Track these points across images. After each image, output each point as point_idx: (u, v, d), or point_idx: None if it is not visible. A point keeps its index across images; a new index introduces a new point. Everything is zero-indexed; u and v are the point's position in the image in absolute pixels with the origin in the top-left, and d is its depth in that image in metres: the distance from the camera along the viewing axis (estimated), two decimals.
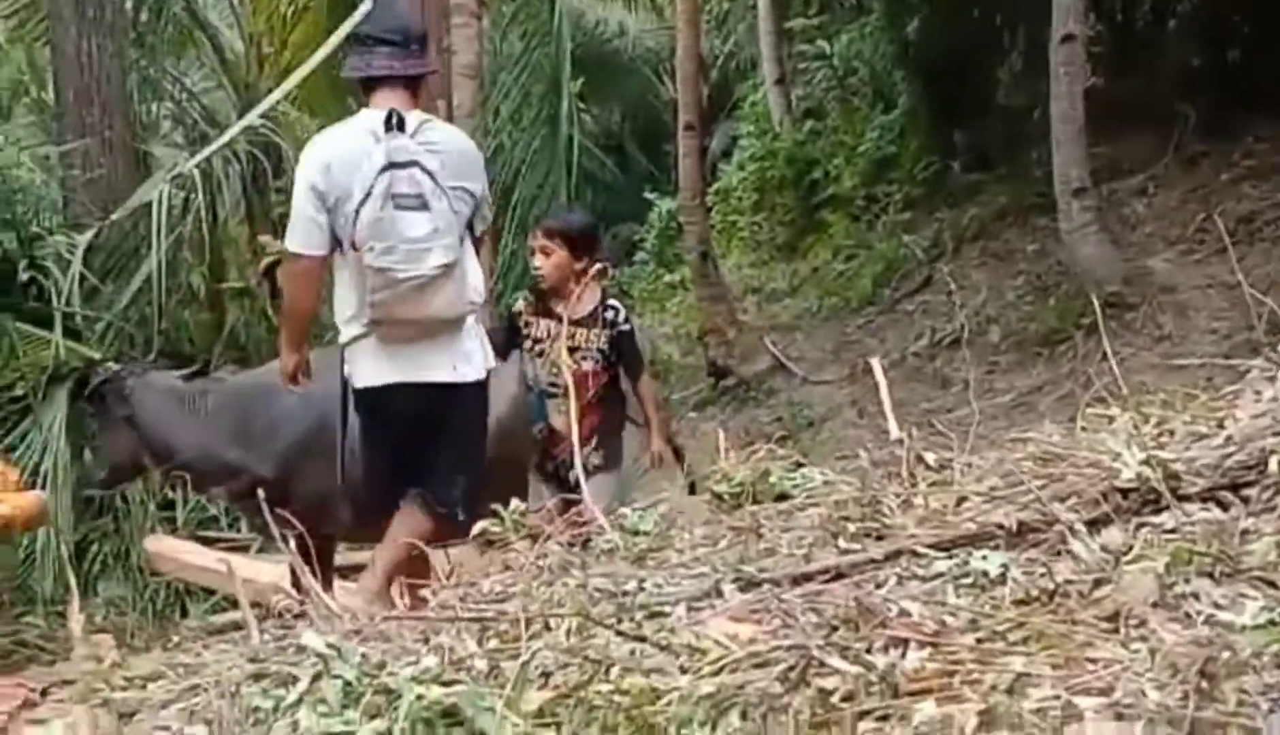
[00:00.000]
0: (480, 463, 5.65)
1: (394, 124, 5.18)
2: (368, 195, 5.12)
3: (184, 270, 10.41)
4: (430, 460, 5.54)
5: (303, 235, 5.27)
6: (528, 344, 6.73)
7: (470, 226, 5.43)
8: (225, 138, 10.52)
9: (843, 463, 5.74)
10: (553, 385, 6.59)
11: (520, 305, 6.90)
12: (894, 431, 4.98)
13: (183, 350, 10.30)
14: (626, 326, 6.85)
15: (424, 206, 5.16)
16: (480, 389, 5.59)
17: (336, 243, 5.25)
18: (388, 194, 5.12)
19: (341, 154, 5.23)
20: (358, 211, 5.12)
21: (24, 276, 8.92)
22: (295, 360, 5.61)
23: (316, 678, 2.46)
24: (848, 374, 13.95)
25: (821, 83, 18.23)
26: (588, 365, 6.63)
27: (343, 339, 5.41)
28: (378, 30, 5.52)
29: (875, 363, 5.92)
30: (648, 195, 19.42)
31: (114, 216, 9.81)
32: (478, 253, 5.63)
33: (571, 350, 6.48)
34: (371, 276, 5.16)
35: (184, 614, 7.62)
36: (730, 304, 15.50)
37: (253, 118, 10.53)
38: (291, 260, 5.46)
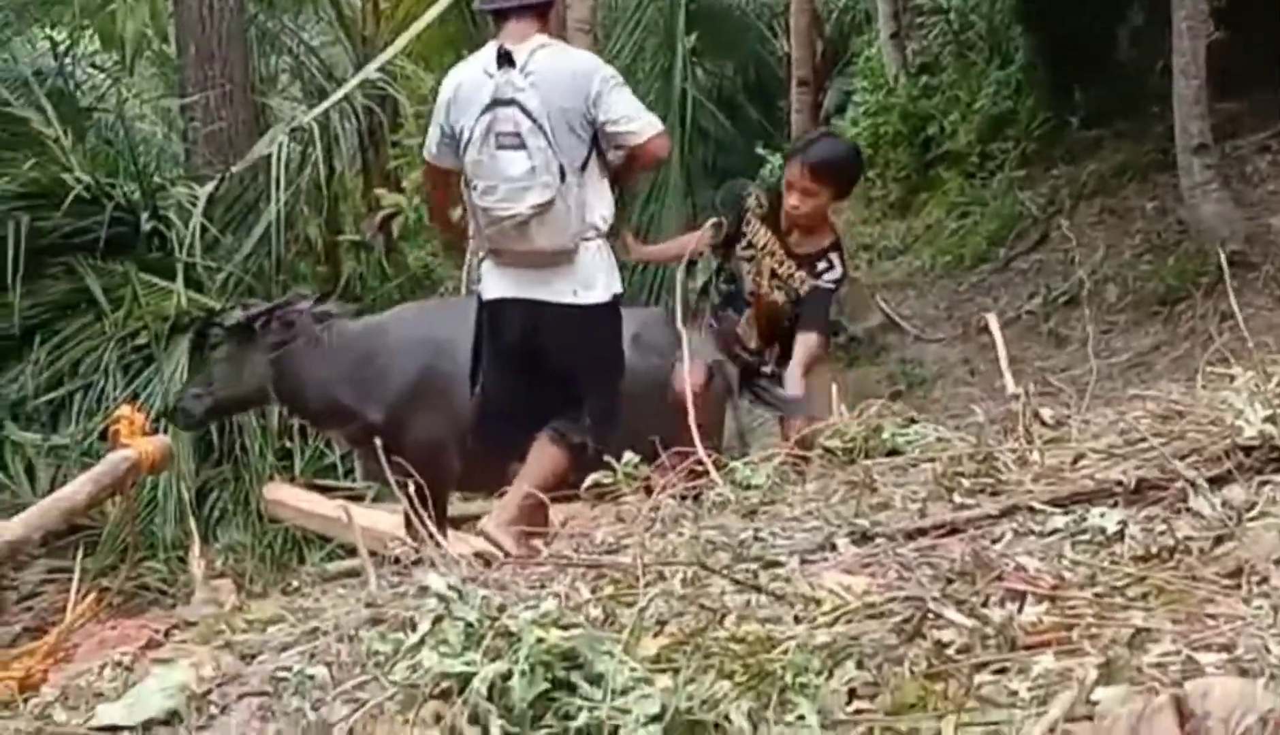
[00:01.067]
0: (613, 392, 5.67)
1: (504, 60, 5.27)
2: (472, 135, 5.27)
3: (301, 222, 10.53)
4: (558, 388, 5.59)
5: (431, 146, 5.55)
6: (743, 241, 6.57)
7: (598, 152, 5.44)
8: (343, 91, 10.64)
9: (954, 421, 5.70)
10: (752, 294, 6.51)
11: (751, 200, 6.67)
12: (1010, 387, 4.95)
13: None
14: (829, 285, 6.53)
15: (521, 145, 5.21)
16: (608, 313, 5.60)
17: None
18: (488, 133, 5.23)
19: (463, 89, 5.38)
20: (467, 150, 5.29)
21: (147, 227, 9.07)
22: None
23: (438, 620, 2.50)
24: (960, 332, 13.85)
25: (938, 37, 18.00)
26: (779, 296, 6.46)
27: (478, 251, 5.57)
28: None
29: (992, 319, 5.86)
30: (759, 151, 19.30)
31: (234, 169, 9.96)
32: (620, 175, 5.69)
33: (774, 274, 6.42)
34: (478, 214, 5.32)
35: (301, 560, 7.74)
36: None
37: (370, 71, 10.63)
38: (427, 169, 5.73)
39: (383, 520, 6.50)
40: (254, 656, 3.76)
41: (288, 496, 7.15)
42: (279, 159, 9.69)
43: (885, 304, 14.75)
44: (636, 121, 5.46)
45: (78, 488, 4.37)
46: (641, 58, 11.70)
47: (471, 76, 5.39)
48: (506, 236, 5.33)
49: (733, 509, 4.51)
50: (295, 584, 5.50)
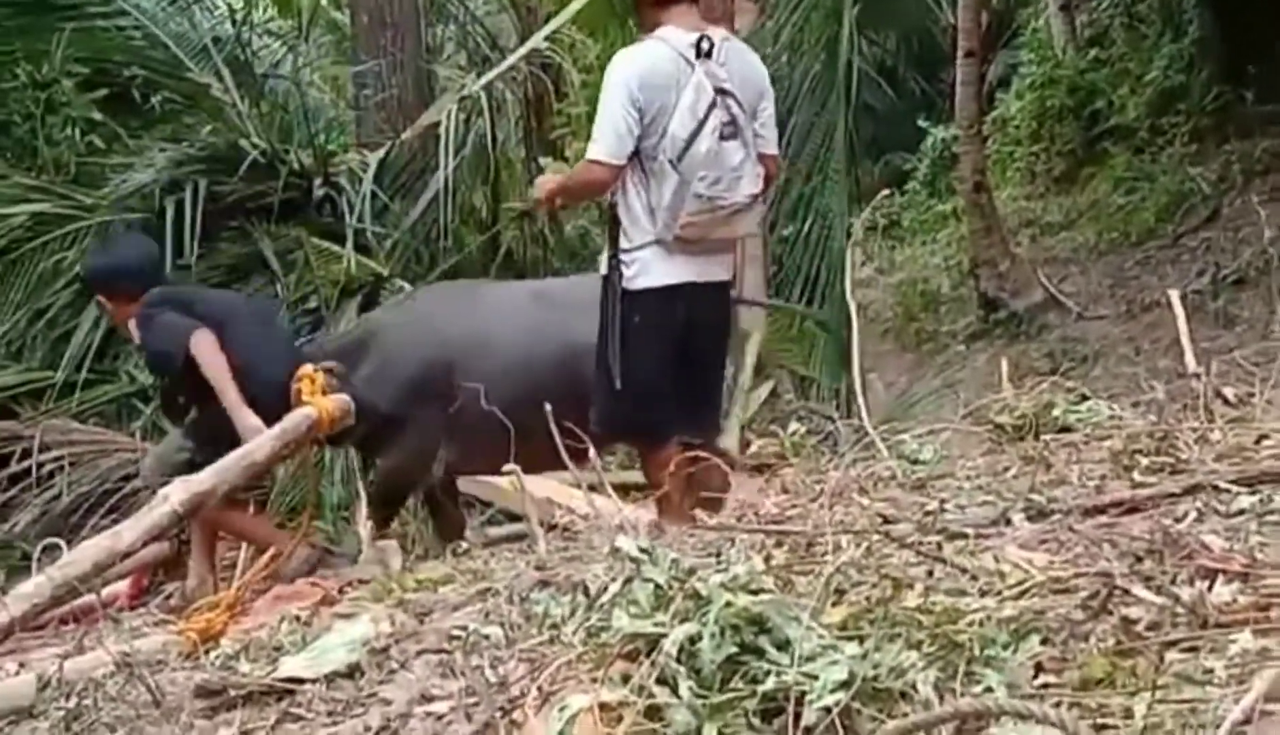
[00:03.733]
0: None
1: (706, 49, 5.31)
2: (700, 126, 5.29)
3: (466, 190, 10.63)
4: (706, 368, 5.75)
5: (615, 146, 5.37)
6: None
7: None
8: (510, 61, 10.73)
9: (1118, 400, 5.60)
10: None
11: None
12: (1191, 365, 4.87)
13: (463, 269, 10.60)
14: None
15: (736, 135, 5.33)
16: None
17: (635, 154, 5.39)
18: (719, 125, 5.29)
19: (658, 72, 5.34)
20: (690, 141, 5.28)
21: (319, 193, 9.23)
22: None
23: (628, 581, 2.54)
24: (1124, 310, 13.61)
25: (1108, 9, 17.63)
26: None
27: (630, 243, 5.49)
28: None
29: (1174, 295, 5.74)
30: (921, 123, 19.10)
31: (404, 136, 10.09)
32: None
33: None
34: (692, 201, 5.31)
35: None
36: (1004, 236, 15.17)
37: (537, 40, 10.70)
38: (593, 167, 5.54)
39: (548, 487, 6.56)
40: (427, 615, 3.83)
41: None
42: (447, 127, 9.79)
43: (1047, 280, 14.53)
44: (774, 139, 5.73)
45: (261, 443, 4.48)
46: (808, 29, 11.60)
47: (666, 61, 5.37)
48: (717, 224, 5.44)
49: (899, 483, 4.49)
50: (464, 546, 5.56)
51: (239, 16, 11.36)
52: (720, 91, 5.31)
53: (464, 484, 7.22)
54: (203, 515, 5.56)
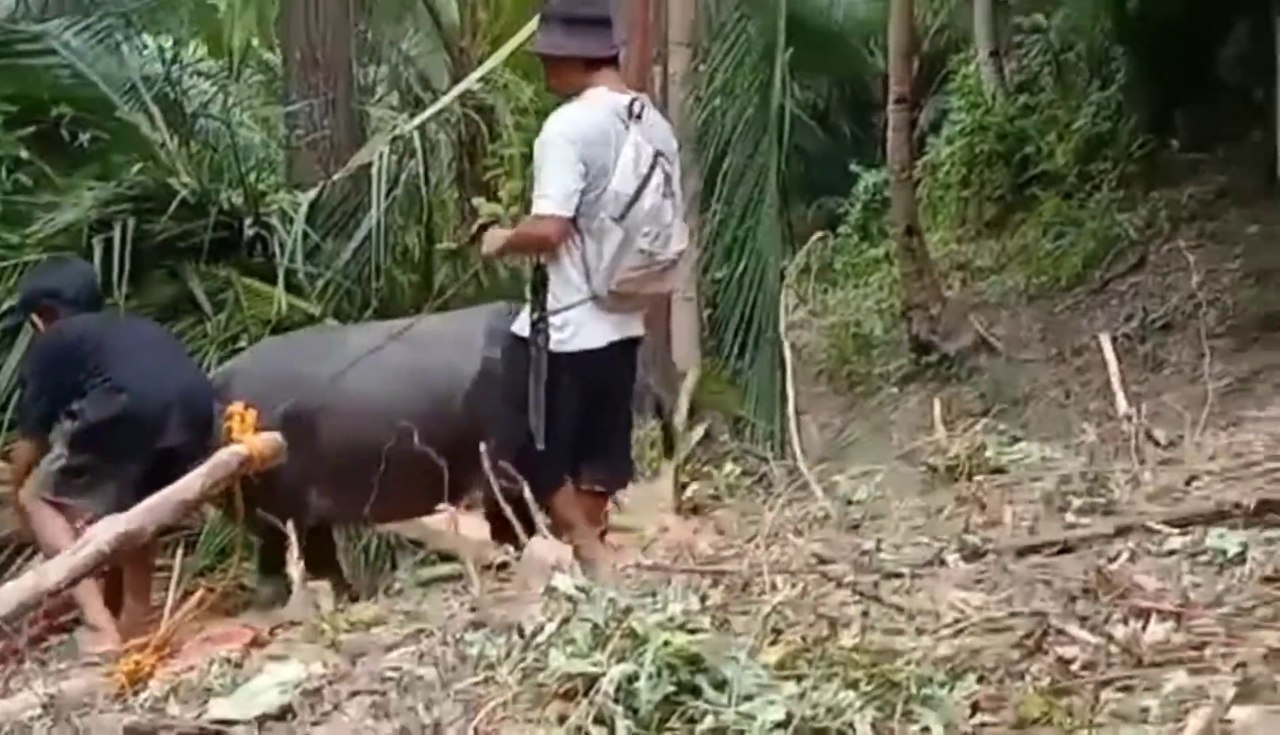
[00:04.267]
0: None
1: (637, 111, 5.43)
2: (644, 183, 5.39)
3: (399, 231, 10.59)
4: (619, 421, 5.84)
5: (564, 201, 5.39)
6: None
7: None
8: (444, 101, 10.73)
9: (1049, 443, 5.65)
10: None
11: None
12: (1122, 407, 4.91)
13: (396, 309, 10.54)
14: None
15: (671, 193, 5.50)
16: None
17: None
18: (659, 183, 5.41)
19: (598, 131, 5.40)
20: (635, 198, 5.37)
21: (249, 233, 9.13)
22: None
23: (565, 620, 2.52)
24: (1054, 354, 13.75)
25: (1037, 57, 17.90)
26: None
27: (557, 303, 5.49)
28: (594, 11, 5.68)
29: (1104, 339, 5.80)
30: (854, 168, 19.26)
31: (336, 177, 10.02)
32: None
33: None
34: (634, 256, 5.39)
35: (394, 566, 7.77)
36: (935, 279, 15.33)
37: (470, 82, 10.70)
38: (545, 221, 5.55)
39: (477, 528, 6.52)
40: (360, 656, 3.79)
41: None
42: (380, 168, 9.75)
43: (978, 323, 14.67)
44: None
45: (191, 481, 4.43)
46: (740, 72, 11.67)
47: (604, 120, 5.45)
48: (649, 281, 5.57)
49: (834, 523, 4.51)
50: (395, 588, 5.52)
51: (169, 56, 11.31)
52: (659, 152, 5.45)
53: (397, 525, 7.16)
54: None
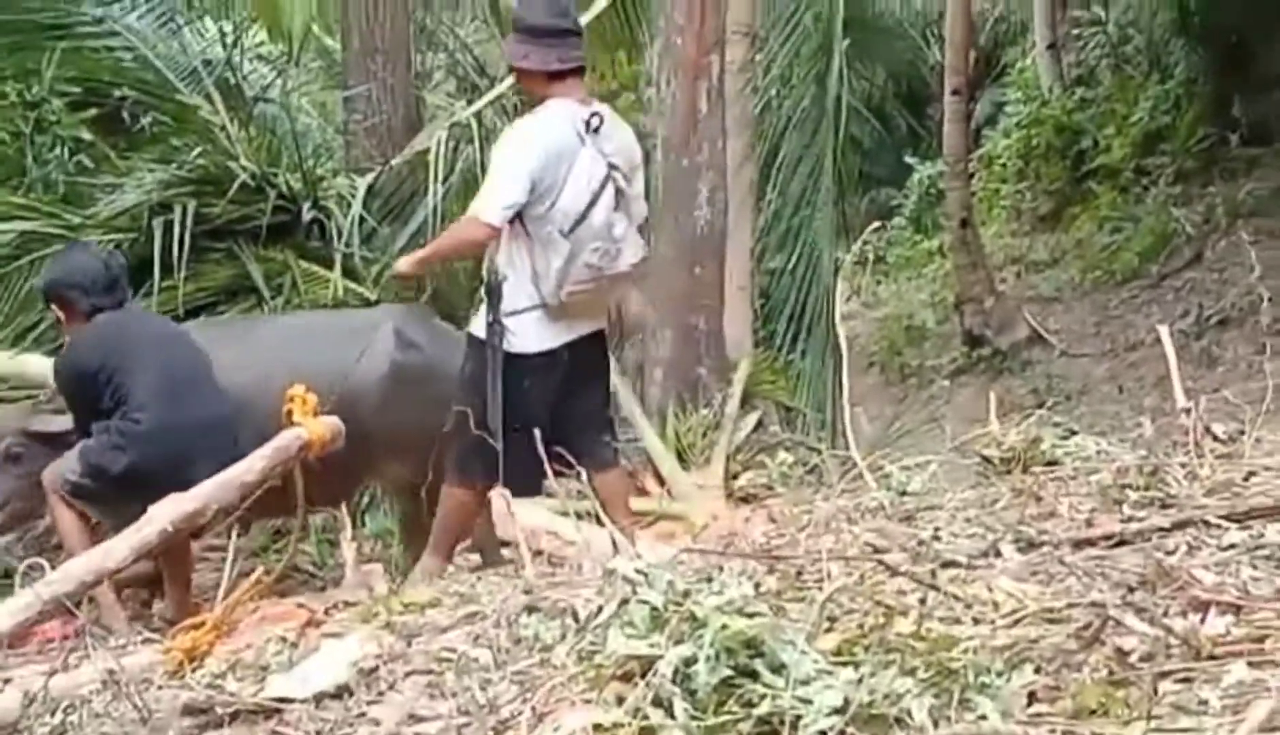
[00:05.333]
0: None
1: (595, 125, 5.58)
2: (595, 200, 5.54)
3: (454, 217, 10.62)
4: (591, 408, 5.97)
5: (502, 212, 5.52)
6: None
7: None
8: (500, 88, 10.73)
9: (1103, 437, 5.62)
10: None
11: None
12: (1180, 400, 4.88)
13: (449, 293, 10.57)
14: None
15: (621, 207, 5.64)
16: None
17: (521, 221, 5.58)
18: (611, 198, 5.57)
19: (555, 147, 5.53)
20: (586, 213, 5.51)
21: (307, 217, 9.19)
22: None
23: (624, 602, 2.54)
24: (1108, 349, 13.67)
25: (1095, 49, 17.76)
26: None
27: (511, 307, 5.60)
28: (558, 22, 5.81)
29: (1163, 332, 5.75)
30: (908, 160, 19.18)
31: (393, 162, 10.09)
32: None
33: None
34: (581, 270, 5.54)
35: None
36: (989, 273, 15.25)
37: None
38: (479, 225, 5.67)
39: (532, 514, 6.55)
40: (414, 637, 3.82)
41: None
42: (436, 154, 9.80)
43: (1031, 317, 14.59)
44: (644, 207, 6.08)
45: (251, 464, 4.47)
46: (798, 62, 11.64)
47: (562, 136, 5.57)
48: (599, 293, 5.78)
49: (887, 514, 4.50)
50: (449, 570, 5.56)
51: (229, 40, 11.34)
52: (610, 165, 5.57)
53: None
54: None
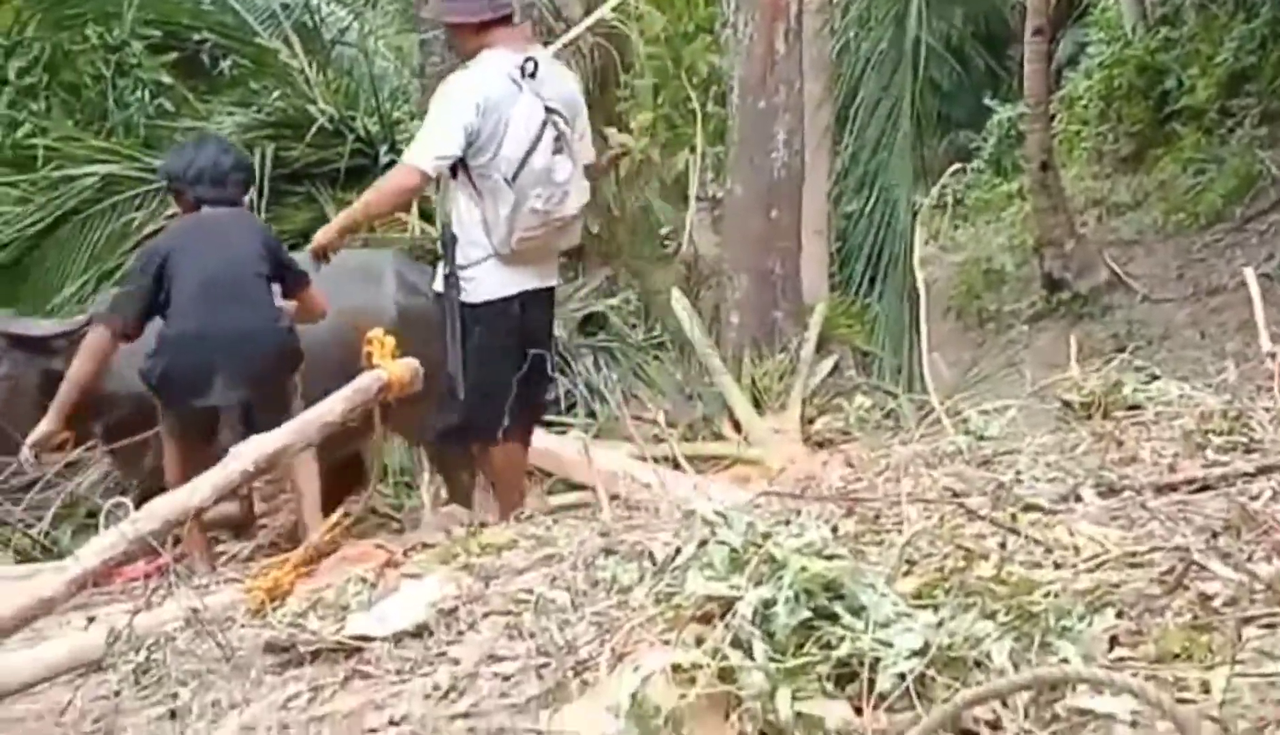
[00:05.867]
0: None
1: (530, 70, 5.58)
2: (535, 144, 5.55)
3: None
4: (537, 366, 5.95)
5: (435, 161, 5.62)
6: None
7: None
8: (577, 30, 10.68)
9: (1185, 383, 5.57)
10: None
11: None
12: (1265, 344, 4.82)
13: None
14: None
15: (564, 150, 5.64)
16: None
17: (462, 167, 5.63)
18: (550, 142, 5.58)
19: (493, 96, 5.54)
20: (526, 158, 5.53)
21: (385, 160, 9.21)
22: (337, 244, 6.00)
23: (703, 543, 2.54)
24: (1190, 293, 13.51)
25: None
26: None
27: (466, 259, 5.67)
28: None
29: (1250, 275, 5.67)
30: (988, 102, 18.97)
31: None
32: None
33: None
34: (528, 216, 5.60)
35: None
36: (1069, 216, 15.08)
37: (604, 11, 10.66)
38: (412, 172, 5.76)
39: (610, 458, 6.57)
40: (493, 579, 3.84)
41: None
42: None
43: (1112, 261, 14.43)
44: (591, 150, 6.12)
45: (333, 404, 4.49)
46: (875, 3, 11.56)
47: (500, 84, 5.58)
48: (549, 237, 5.78)
49: (965, 459, 4.47)
50: (527, 513, 5.59)
51: None
52: (548, 110, 5.57)
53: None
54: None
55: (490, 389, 5.72)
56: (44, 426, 5.80)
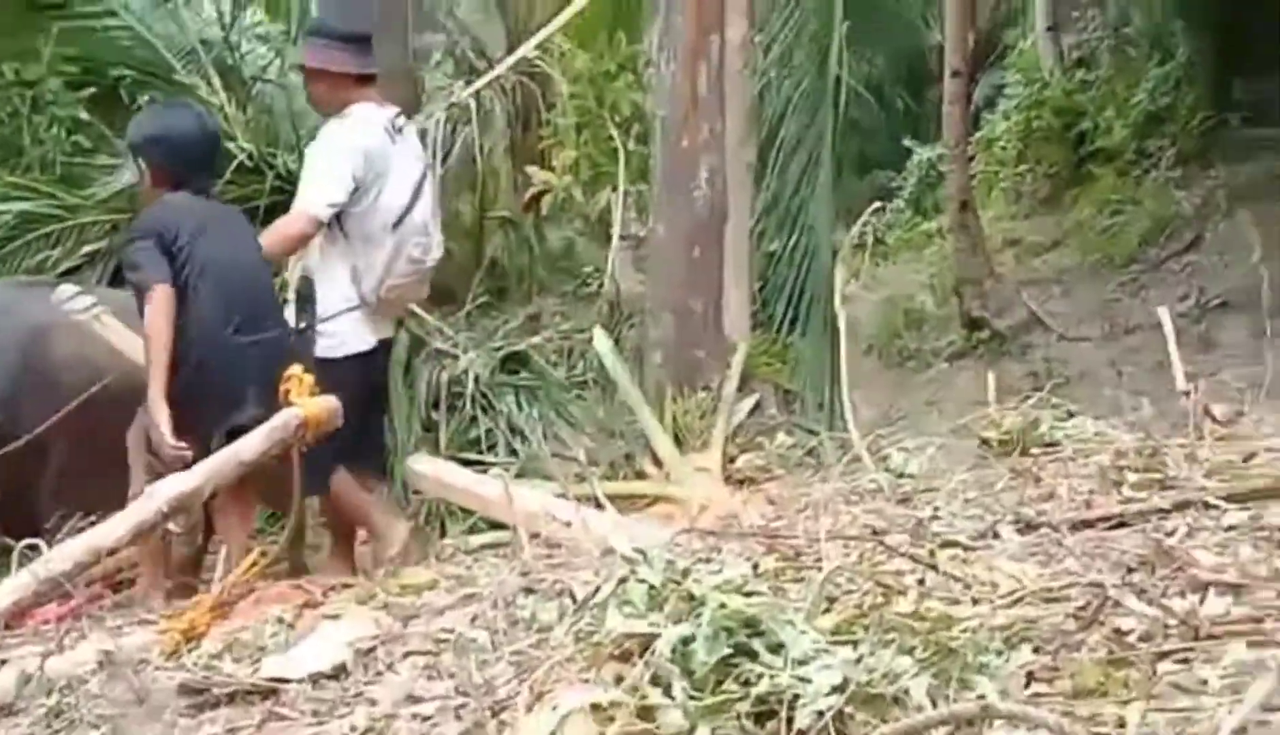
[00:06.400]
0: None
1: (400, 126, 5.97)
2: (417, 195, 5.84)
3: (452, 198, 10.61)
4: (376, 417, 6.35)
5: (327, 208, 5.71)
6: None
7: None
8: (500, 68, 10.70)
9: (1102, 421, 5.63)
10: None
11: None
12: (1180, 382, 4.88)
13: (448, 275, 10.54)
14: None
15: (430, 203, 6.01)
16: None
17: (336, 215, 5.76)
18: (428, 194, 5.95)
19: (374, 147, 5.77)
20: (409, 209, 5.79)
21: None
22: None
23: (623, 581, 2.53)
24: (1108, 332, 13.64)
25: (1095, 31, 17.68)
26: None
27: (326, 311, 5.78)
28: (364, 29, 6.30)
29: (1164, 313, 5.76)
30: (907, 142, 19.13)
31: None
32: None
33: None
34: (405, 264, 5.83)
35: (443, 532, 7.82)
36: (988, 255, 15.21)
37: (528, 49, 10.67)
38: (308, 220, 5.81)
39: (529, 498, 6.54)
40: (412, 618, 3.82)
41: (431, 469, 7.22)
42: (434, 135, 9.77)
43: (1030, 301, 14.57)
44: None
45: (250, 442, 4.46)
46: (797, 44, 11.60)
47: (379, 138, 5.82)
48: (414, 286, 6.10)
49: (886, 496, 4.50)
50: (448, 552, 5.56)
51: (227, 20, 11.30)
52: (423, 164, 6.01)
53: (440, 492, 7.17)
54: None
55: (347, 443, 5.59)
56: (155, 396, 5.20)
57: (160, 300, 5.22)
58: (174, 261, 5.31)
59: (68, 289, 5.93)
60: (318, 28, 6.35)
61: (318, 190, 5.71)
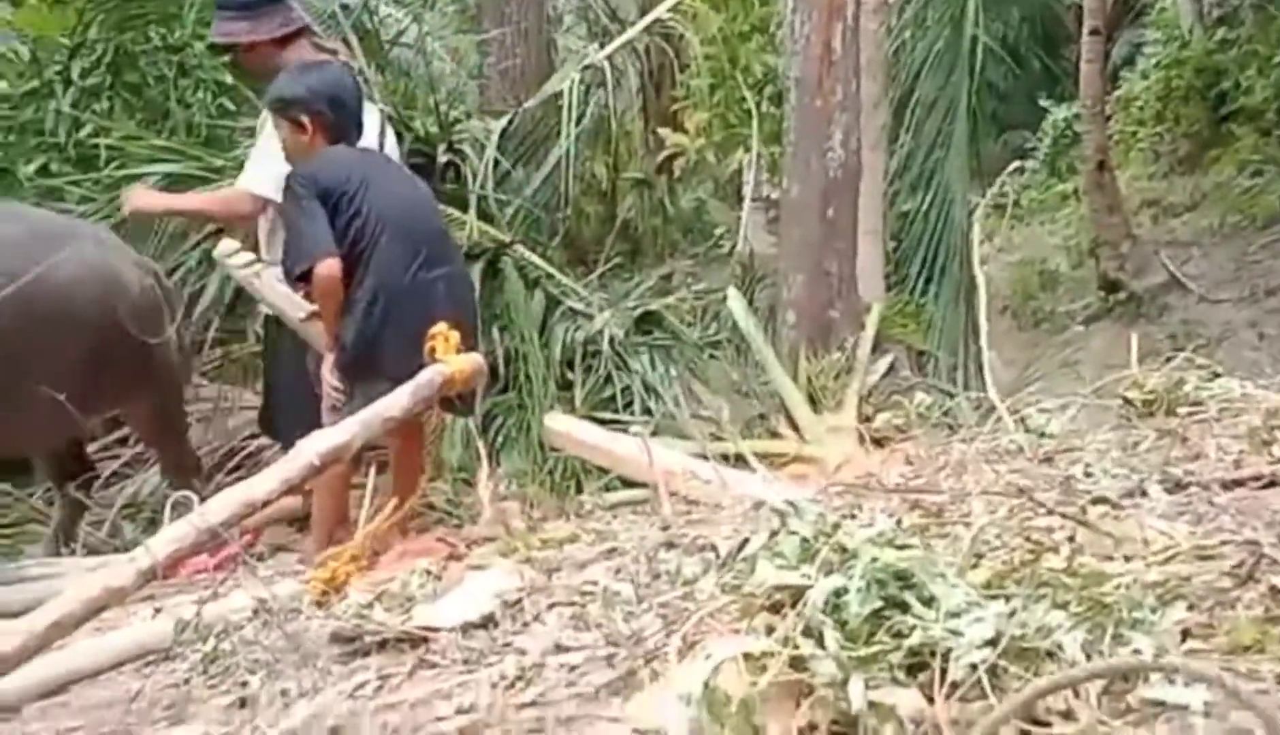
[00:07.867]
0: None
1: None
2: (381, 147, 6.02)
3: (586, 161, 10.67)
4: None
5: (271, 183, 5.69)
6: None
7: None
8: (634, 30, 10.73)
9: (1247, 382, 5.54)
10: None
11: None
12: None
13: (582, 236, 10.62)
14: None
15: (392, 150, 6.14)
16: None
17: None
18: (393, 143, 6.19)
19: None
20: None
21: (442, 160, 9.27)
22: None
23: (774, 533, 2.55)
24: (1247, 294, 13.40)
25: None
26: None
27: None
28: None
29: None
30: (1043, 102, 18.86)
31: (527, 104, 10.14)
32: None
33: None
34: None
35: (579, 490, 7.88)
36: (1125, 216, 14.98)
37: (660, 12, 10.70)
38: (248, 198, 5.98)
39: (667, 455, 6.57)
40: (555, 571, 3.86)
41: (567, 427, 7.28)
42: (569, 98, 9.83)
43: (1169, 262, 14.34)
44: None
45: (397, 398, 4.53)
46: (932, 4, 11.53)
47: None
48: None
49: (1027, 455, 4.46)
50: (587, 507, 5.61)
51: None
52: (384, 115, 6.13)
53: (576, 450, 7.22)
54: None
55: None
56: (330, 357, 5.46)
57: (330, 273, 5.28)
58: (341, 215, 5.32)
59: (229, 244, 5.97)
60: (221, 1, 6.10)
61: (262, 167, 5.71)
